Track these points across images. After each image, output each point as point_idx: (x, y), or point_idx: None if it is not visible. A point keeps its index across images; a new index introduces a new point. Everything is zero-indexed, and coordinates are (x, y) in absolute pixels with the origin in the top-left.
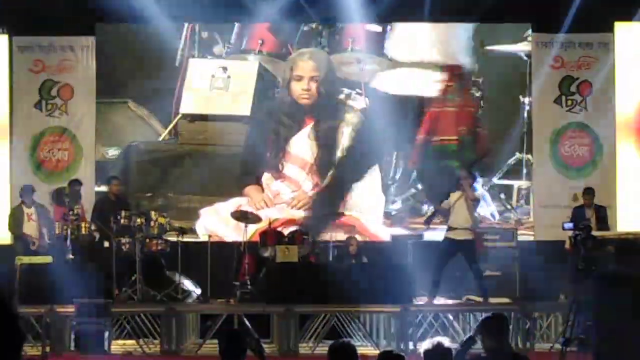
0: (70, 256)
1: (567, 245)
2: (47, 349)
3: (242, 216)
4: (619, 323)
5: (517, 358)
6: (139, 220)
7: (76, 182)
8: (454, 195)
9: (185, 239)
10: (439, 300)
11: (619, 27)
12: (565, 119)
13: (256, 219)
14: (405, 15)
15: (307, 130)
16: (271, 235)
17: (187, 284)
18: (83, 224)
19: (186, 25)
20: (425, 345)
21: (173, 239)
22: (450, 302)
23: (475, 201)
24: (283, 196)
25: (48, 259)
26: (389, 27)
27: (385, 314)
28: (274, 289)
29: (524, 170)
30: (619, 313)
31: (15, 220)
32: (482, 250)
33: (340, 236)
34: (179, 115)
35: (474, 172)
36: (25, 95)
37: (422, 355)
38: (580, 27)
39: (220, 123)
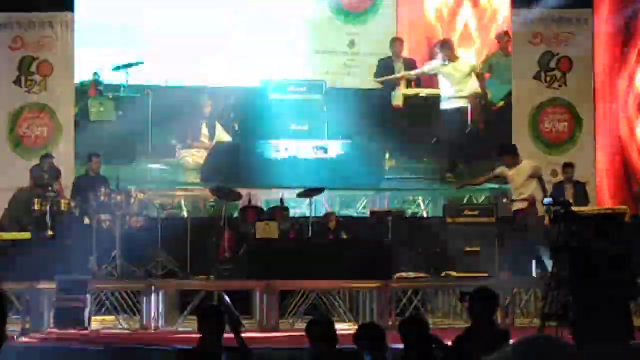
0: (50, 233)
1: (546, 221)
2: (27, 325)
3: (222, 193)
4: (596, 298)
5: (499, 333)
6: (119, 197)
7: (48, 156)
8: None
9: (165, 216)
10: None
11: (599, 2)
12: (545, 95)
13: (236, 196)
14: None
15: None
16: (251, 212)
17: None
18: (63, 201)
19: None
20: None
21: (153, 215)
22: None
23: None
24: None
25: (27, 235)
26: None
27: (366, 289)
28: (254, 265)
29: None
30: (596, 288)
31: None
32: None
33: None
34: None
35: None
36: (4, 71)
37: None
38: (559, 2)
39: None
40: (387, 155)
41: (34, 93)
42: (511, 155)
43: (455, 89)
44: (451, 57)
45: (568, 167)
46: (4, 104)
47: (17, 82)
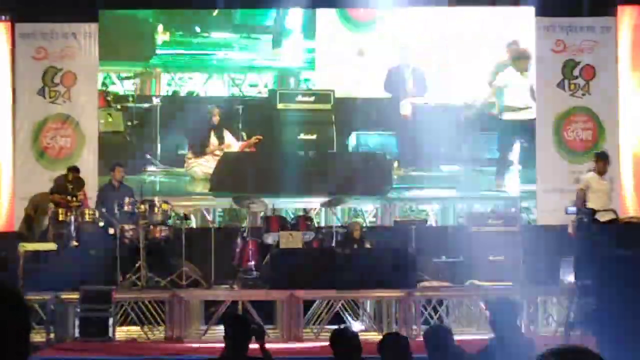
0: (74, 243)
1: (570, 229)
2: (52, 335)
3: (246, 203)
4: (621, 306)
5: (523, 342)
6: (142, 207)
7: (74, 169)
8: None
9: (189, 225)
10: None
11: (622, 10)
12: (568, 103)
13: (260, 205)
14: None
15: None
16: (275, 221)
17: None
18: (87, 211)
19: None
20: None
21: (177, 225)
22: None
23: None
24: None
25: (52, 245)
26: None
27: (389, 299)
28: (277, 275)
29: None
30: (621, 297)
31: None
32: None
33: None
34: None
35: None
36: (27, 82)
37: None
38: (583, 10)
39: None
40: (396, 164)
41: (57, 103)
42: (608, 163)
43: (521, 101)
44: (526, 68)
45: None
46: (28, 114)
47: (41, 92)
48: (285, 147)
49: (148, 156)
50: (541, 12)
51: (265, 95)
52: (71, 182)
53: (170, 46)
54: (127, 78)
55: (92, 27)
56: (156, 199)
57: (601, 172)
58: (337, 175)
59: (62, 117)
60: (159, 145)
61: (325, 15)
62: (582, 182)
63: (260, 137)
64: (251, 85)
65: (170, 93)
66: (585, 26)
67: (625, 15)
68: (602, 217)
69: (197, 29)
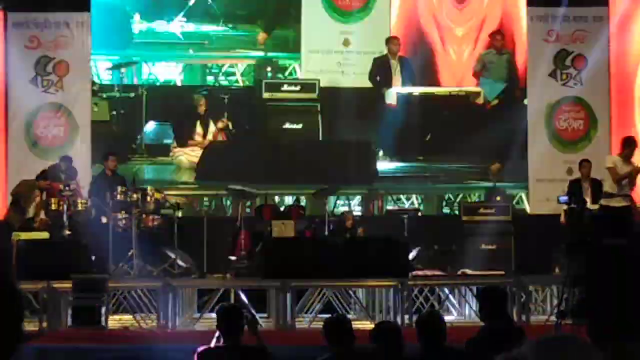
0: (67, 232)
1: (562, 219)
2: (44, 324)
3: (238, 192)
4: (612, 295)
5: (513, 331)
6: (135, 196)
7: (67, 159)
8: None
9: (181, 214)
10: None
11: (614, 0)
12: (560, 92)
13: (252, 196)
14: None
15: None
16: (267, 210)
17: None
18: (79, 200)
19: None
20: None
21: (169, 213)
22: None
23: None
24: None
25: (45, 234)
26: None
27: (382, 288)
28: (270, 264)
29: None
30: (612, 285)
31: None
32: None
33: (336, 210)
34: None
35: None
36: (20, 71)
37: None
38: (575, 0)
39: None
40: (381, 153)
41: (50, 93)
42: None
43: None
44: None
45: (585, 163)
46: (20, 104)
47: (34, 81)
48: (271, 137)
49: (133, 146)
50: (533, 1)
51: (247, 84)
52: (64, 171)
53: (147, 35)
54: (110, 68)
55: (85, 17)
56: (149, 187)
57: (626, 157)
58: (323, 164)
59: (55, 107)
60: (144, 134)
61: (310, 4)
62: (609, 162)
63: (227, 122)
64: (228, 74)
65: (147, 82)
66: (578, 16)
67: (617, 4)
68: (618, 203)
69: (175, 18)
